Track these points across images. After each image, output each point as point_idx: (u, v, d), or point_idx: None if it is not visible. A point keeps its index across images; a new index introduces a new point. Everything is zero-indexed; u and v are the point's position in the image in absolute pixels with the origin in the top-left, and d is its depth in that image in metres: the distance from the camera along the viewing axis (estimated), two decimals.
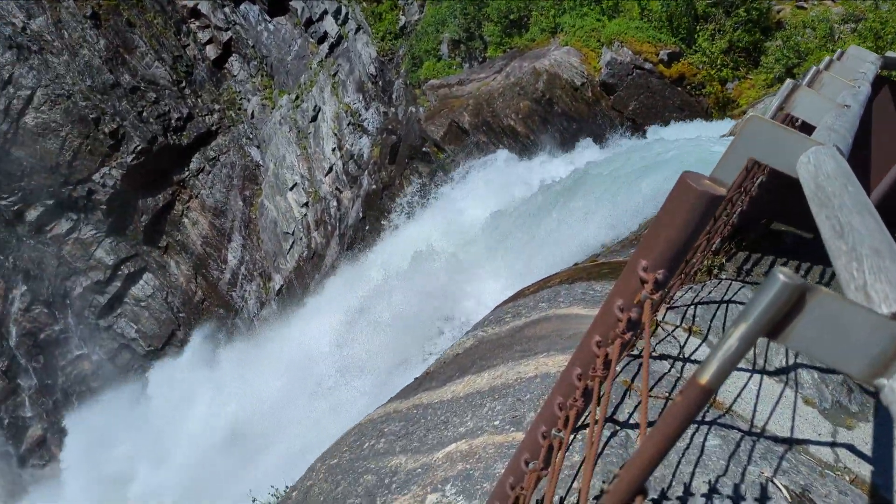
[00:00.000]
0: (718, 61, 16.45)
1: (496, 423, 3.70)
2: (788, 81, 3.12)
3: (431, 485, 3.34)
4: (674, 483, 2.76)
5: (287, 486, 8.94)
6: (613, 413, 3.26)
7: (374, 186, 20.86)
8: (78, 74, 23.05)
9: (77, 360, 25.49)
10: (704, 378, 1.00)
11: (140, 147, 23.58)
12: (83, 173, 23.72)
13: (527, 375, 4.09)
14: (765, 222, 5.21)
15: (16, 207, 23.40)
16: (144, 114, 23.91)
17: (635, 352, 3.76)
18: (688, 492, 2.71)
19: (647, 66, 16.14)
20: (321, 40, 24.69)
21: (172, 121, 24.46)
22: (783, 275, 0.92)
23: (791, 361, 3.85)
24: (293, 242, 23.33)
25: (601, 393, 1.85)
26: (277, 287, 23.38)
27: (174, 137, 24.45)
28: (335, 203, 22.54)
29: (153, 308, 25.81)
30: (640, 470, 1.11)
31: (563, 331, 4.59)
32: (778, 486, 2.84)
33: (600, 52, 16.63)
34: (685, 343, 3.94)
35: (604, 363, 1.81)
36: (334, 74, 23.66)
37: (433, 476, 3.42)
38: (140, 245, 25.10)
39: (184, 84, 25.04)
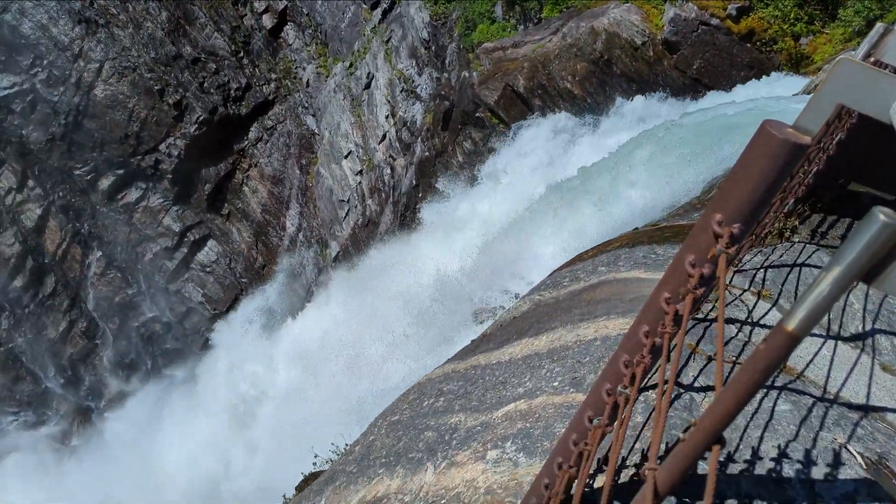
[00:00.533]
0: (792, 15, 15.46)
1: (555, 384, 3.71)
2: (879, 25, 2.88)
3: (492, 442, 3.39)
4: (741, 446, 2.71)
5: (346, 444, 9.27)
6: (678, 375, 3.21)
7: (426, 153, 20.86)
8: (142, 47, 23.79)
9: (149, 322, 26.93)
10: (791, 324, 0.97)
11: (202, 117, 24.28)
12: (150, 143, 24.67)
13: (587, 338, 4.07)
14: (842, 182, 4.93)
15: (89, 177, 24.63)
16: (205, 84, 24.54)
17: (699, 315, 3.67)
18: (756, 455, 2.66)
19: (714, 21, 15.34)
20: (374, 6, 24.55)
21: (231, 91, 25.01)
22: (884, 214, 0.87)
23: (868, 327, 3.68)
24: (348, 210, 23.69)
25: (671, 348, 1.82)
26: (334, 254, 23.89)
27: (233, 107, 25.03)
28: (389, 170, 22.68)
29: (217, 273, 26.87)
30: (718, 419, 1.09)
31: (624, 294, 4.52)
32: (852, 453, 2.74)
33: (663, 9, 15.90)
34: (754, 307, 3.81)
35: (674, 319, 1.77)
36: (387, 41, 23.55)
37: (493, 434, 3.47)
38: (204, 213, 26.06)
39: (242, 54, 25.49)
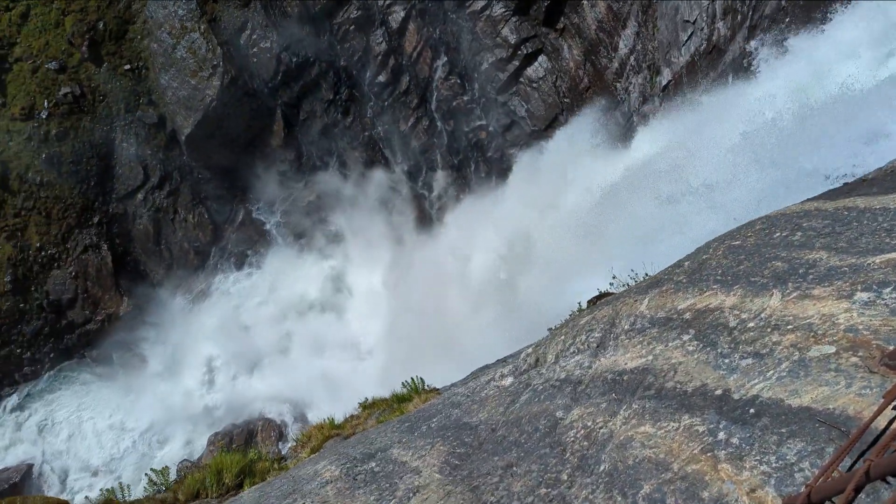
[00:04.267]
0: None
1: None
2: None
3: (863, 283, 3.01)
4: None
5: (647, 273, 9.30)
6: None
7: None
8: None
9: (477, 129, 29.48)
10: None
11: None
12: None
13: None
14: None
15: None
16: None
17: None
18: None
19: None
20: None
21: None
22: None
23: None
24: (692, 33, 21.25)
25: None
26: (664, 82, 22.19)
27: None
28: None
29: (542, 90, 27.47)
30: None
31: None
32: None
33: None
34: None
35: None
36: None
37: (866, 276, 3.07)
38: (539, 26, 26.13)
39: None
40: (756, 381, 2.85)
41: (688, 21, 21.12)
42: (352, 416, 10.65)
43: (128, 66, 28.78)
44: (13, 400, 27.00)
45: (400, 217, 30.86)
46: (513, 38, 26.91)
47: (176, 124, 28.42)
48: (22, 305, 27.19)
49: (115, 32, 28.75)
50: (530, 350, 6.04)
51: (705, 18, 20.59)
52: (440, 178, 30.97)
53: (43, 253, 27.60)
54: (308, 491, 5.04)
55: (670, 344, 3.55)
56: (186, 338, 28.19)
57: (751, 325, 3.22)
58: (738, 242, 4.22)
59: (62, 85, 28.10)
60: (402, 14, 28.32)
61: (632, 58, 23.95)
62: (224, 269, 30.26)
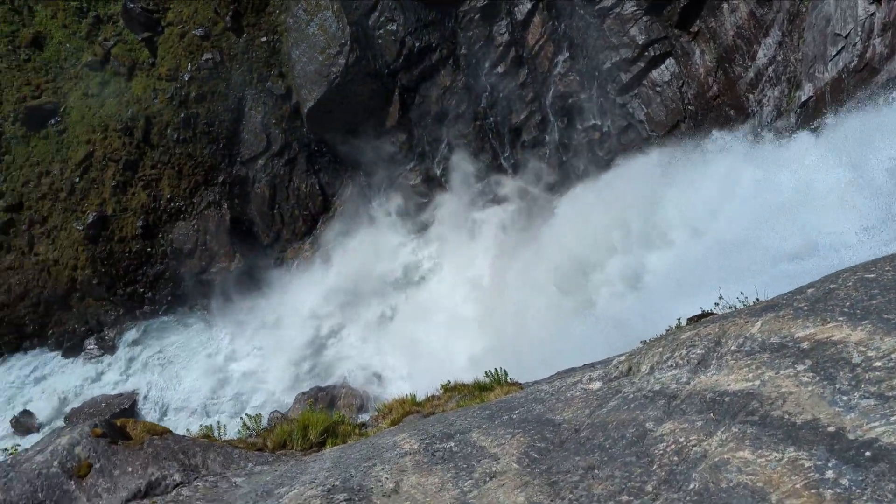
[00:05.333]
0: None
1: None
2: None
3: None
4: None
5: (758, 298, 8.76)
6: None
7: None
8: None
9: (590, 129, 28.81)
10: None
11: None
12: None
13: None
14: None
15: None
16: None
17: None
18: None
19: None
20: None
21: None
22: None
23: None
24: (842, 48, 19.57)
25: None
26: (804, 98, 20.63)
27: None
28: None
29: (666, 95, 26.37)
30: None
31: None
32: None
33: None
34: None
35: None
36: None
37: None
38: (671, 28, 25.03)
39: None
40: (876, 423, 2.64)
41: (839, 35, 19.49)
42: (432, 396, 10.87)
43: (264, 38, 30.57)
44: (132, 334, 29.82)
45: (503, 208, 30.88)
46: (641, 39, 25.96)
47: (301, 97, 29.90)
48: (149, 249, 29.87)
49: (257, 5, 30.59)
50: (623, 358, 5.91)
51: (860, 33, 18.93)
52: (546, 174, 30.61)
53: (172, 204, 30.09)
54: (387, 458, 5.23)
55: (782, 371, 3.36)
56: (289, 299, 29.85)
57: (877, 363, 2.99)
58: (872, 275, 3.90)
59: (205, 51, 30.33)
60: (529, 6, 28.08)
61: (770, 69, 22.44)
62: (328, 238, 31.64)
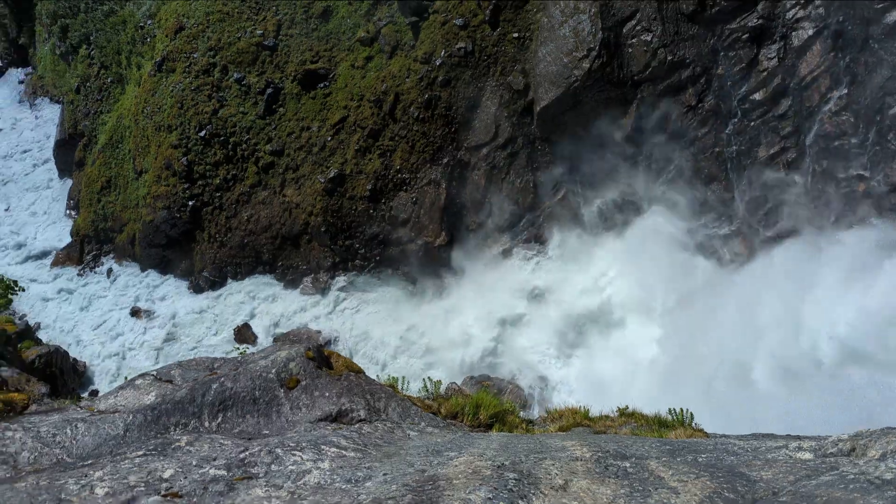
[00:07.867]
0: None
1: None
2: None
3: None
4: None
5: None
6: None
7: None
8: None
9: (853, 179, 25.07)
10: None
11: None
12: None
13: None
14: None
15: (880, 5, 22.38)
16: None
17: None
18: None
19: None
20: None
21: None
22: None
23: None
24: None
25: None
26: None
27: None
28: None
29: None
30: None
31: None
32: None
33: None
34: None
35: None
36: None
37: None
38: None
39: None
40: None
41: None
42: (605, 416, 10.50)
43: (516, 35, 31.56)
44: (341, 282, 33.25)
45: (716, 245, 28.51)
46: None
47: (537, 95, 30.39)
48: (371, 211, 32.89)
49: (517, 3, 31.65)
50: (845, 437, 5.30)
51: None
52: (784, 219, 27.43)
53: (399, 175, 32.72)
54: (557, 457, 5.18)
55: None
56: (480, 285, 30.88)
57: None
58: None
59: (460, 40, 32.23)
60: (811, 32, 25.11)
61: None
62: (525, 237, 31.96)
